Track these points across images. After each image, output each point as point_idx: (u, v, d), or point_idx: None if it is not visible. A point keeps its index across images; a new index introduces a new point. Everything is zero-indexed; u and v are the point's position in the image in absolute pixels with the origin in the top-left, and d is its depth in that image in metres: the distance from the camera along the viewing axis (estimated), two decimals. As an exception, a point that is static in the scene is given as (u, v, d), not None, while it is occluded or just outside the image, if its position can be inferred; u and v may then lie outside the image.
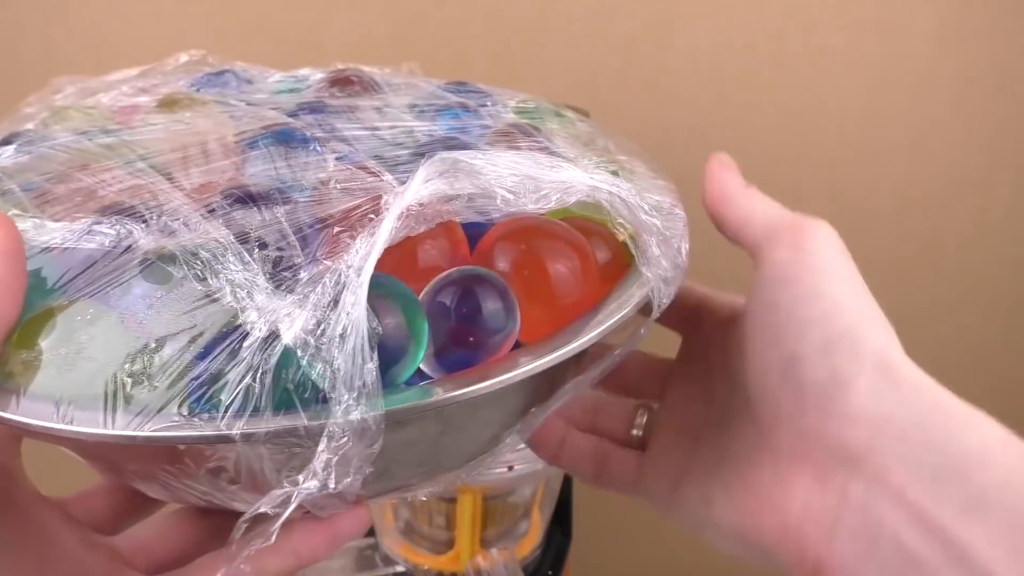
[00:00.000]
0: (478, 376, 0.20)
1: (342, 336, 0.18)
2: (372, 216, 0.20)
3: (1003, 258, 0.61)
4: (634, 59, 0.57)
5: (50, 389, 0.18)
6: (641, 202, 0.24)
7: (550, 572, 0.49)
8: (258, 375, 0.18)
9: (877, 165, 0.59)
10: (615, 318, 0.22)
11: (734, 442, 0.25)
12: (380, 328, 0.19)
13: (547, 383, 0.24)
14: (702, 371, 0.29)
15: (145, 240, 0.20)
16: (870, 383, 0.21)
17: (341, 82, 0.31)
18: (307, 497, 0.18)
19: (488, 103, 0.31)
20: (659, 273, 0.24)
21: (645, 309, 0.24)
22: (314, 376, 0.18)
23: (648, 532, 0.72)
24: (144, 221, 0.21)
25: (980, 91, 0.57)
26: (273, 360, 0.18)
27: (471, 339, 0.21)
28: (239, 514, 0.19)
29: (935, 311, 0.63)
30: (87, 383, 0.18)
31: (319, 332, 0.18)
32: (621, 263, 0.25)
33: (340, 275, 0.19)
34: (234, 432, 0.17)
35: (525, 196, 0.22)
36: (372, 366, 0.18)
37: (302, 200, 0.22)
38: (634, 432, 0.30)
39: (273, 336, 0.18)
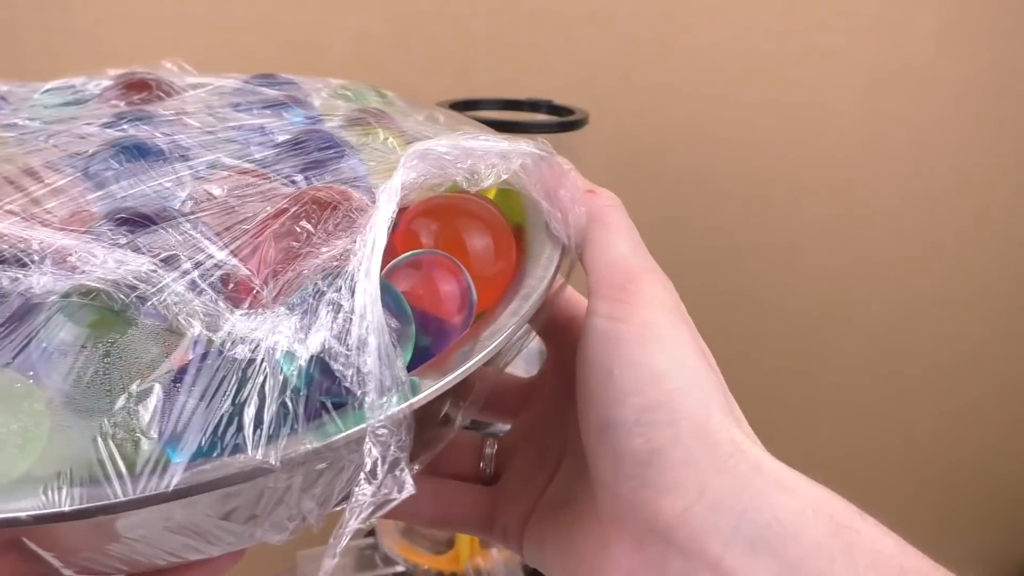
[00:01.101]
0: (469, 347, 0.20)
1: (363, 339, 0.18)
2: (348, 216, 0.20)
3: (1003, 257, 0.61)
4: (634, 59, 0.57)
5: (23, 469, 0.16)
6: (563, 162, 0.24)
7: (550, 572, 0.49)
8: (287, 394, 0.17)
9: (877, 165, 0.59)
10: (552, 268, 0.23)
11: (573, 488, 0.24)
12: (395, 324, 0.19)
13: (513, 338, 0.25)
14: (565, 394, 0.25)
15: (43, 282, 0.18)
16: (685, 453, 0.20)
17: (137, 87, 0.29)
18: (373, 502, 0.18)
19: (311, 93, 0.30)
20: (572, 223, 0.24)
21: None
22: (348, 383, 0.18)
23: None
24: (22, 263, 0.19)
25: (980, 91, 0.57)
26: (295, 377, 0.18)
27: (438, 323, 0.21)
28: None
29: (935, 310, 0.63)
30: (71, 452, 0.16)
31: (344, 339, 0.18)
32: (506, 225, 0.26)
33: (349, 278, 0.19)
34: (272, 461, 0.17)
35: (479, 173, 0.22)
36: (401, 363, 0.18)
37: (203, 214, 0.21)
38: (482, 465, 0.27)
39: (287, 353, 0.18)
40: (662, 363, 0.22)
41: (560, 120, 0.42)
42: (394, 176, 0.20)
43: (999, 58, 0.56)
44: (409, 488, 0.18)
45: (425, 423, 0.22)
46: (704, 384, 0.22)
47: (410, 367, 0.20)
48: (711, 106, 0.58)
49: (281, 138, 0.25)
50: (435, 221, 0.23)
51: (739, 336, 0.64)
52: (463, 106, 0.43)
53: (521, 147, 0.23)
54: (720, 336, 0.70)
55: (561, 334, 0.27)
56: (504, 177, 0.23)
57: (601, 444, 0.21)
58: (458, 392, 0.23)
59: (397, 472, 0.18)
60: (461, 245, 0.23)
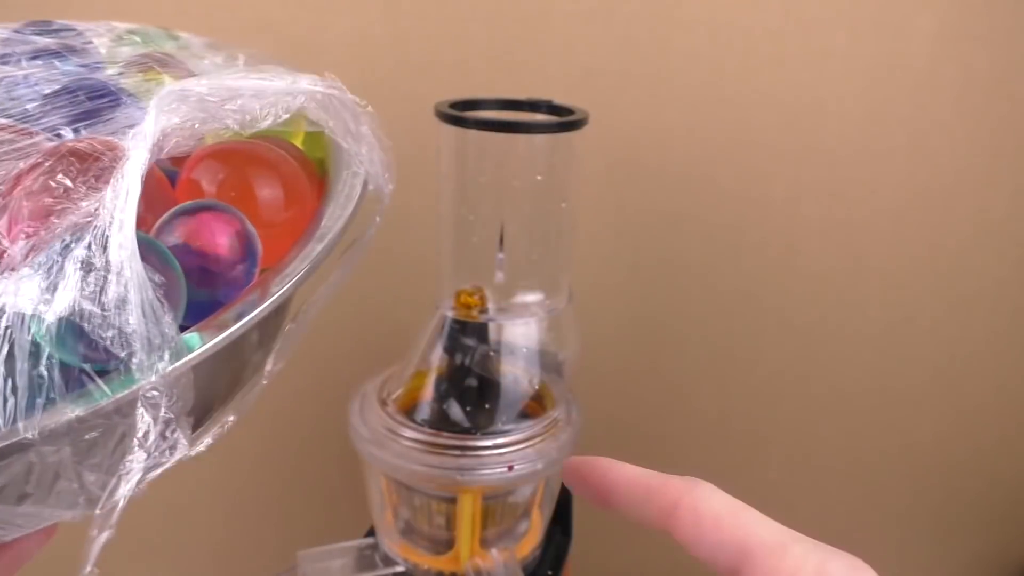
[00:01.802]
0: (257, 295, 0.19)
1: (121, 297, 0.16)
2: (113, 167, 0.18)
3: (1004, 258, 0.61)
4: (634, 59, 0.57)
5: None
6: (355, 98, 0.24)
7: (550, 572, 0.49)
8: (41, 361, 0.16)
9: (877, 165, 0.59)
10: (349, 211, 0.22)
11: None
12: (159, 279, 0.18)
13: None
14: None
15: None
16: None
17: None
18: (144, 466, 0.17)
19: (91, 39, 0.28)
20: (376, 160, 0.24)
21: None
22: (109, 345, 0.16)
23: (648, 532, 0.72)
24: None
25: (980, 91, 0.57)
26: (47, 343, 0.16)
27: (218, 276, 0.20)
28: None
29: (936, 312, 0.63)
30: None
31: (99, 298, 0.16)
32: (314, 174, 0.25)
33: (100, 233, 0.17)
34: (31, 434, 0.15)
35: (253, 114, 0.21)
36: (168, 318, 0.17)
37: None
38: None
39: (34, 317, 0.16)
40: None
41: (560, 120, 0.42)
42: (146, 120, 0.19)
43: (999, 58, 0.56)
44: (182, 448, 0.18)
45: (220, 374, 0.21)
46: None
47: (194, 321, 0.19)
48: (711, 106, 0.58)
49: (48, 89, 0.23)
50: (219, 168, 0.22)
51: (738, 335, 0.64)
52: (463, 106, 0.43)
53: (302, 84, 0.22)
54: (719, 336, 0.71)
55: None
56: (284, 117, 0.21)
57: None
58: (262, 337, 0.23)
59: (169, 434, 0.17)
60: (247, 192, 0.22)
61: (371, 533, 0.49)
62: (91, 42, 0.28)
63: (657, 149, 0.58)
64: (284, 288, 0.20)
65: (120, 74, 0.24)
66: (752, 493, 0.78)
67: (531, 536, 0.48)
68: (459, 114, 0.40)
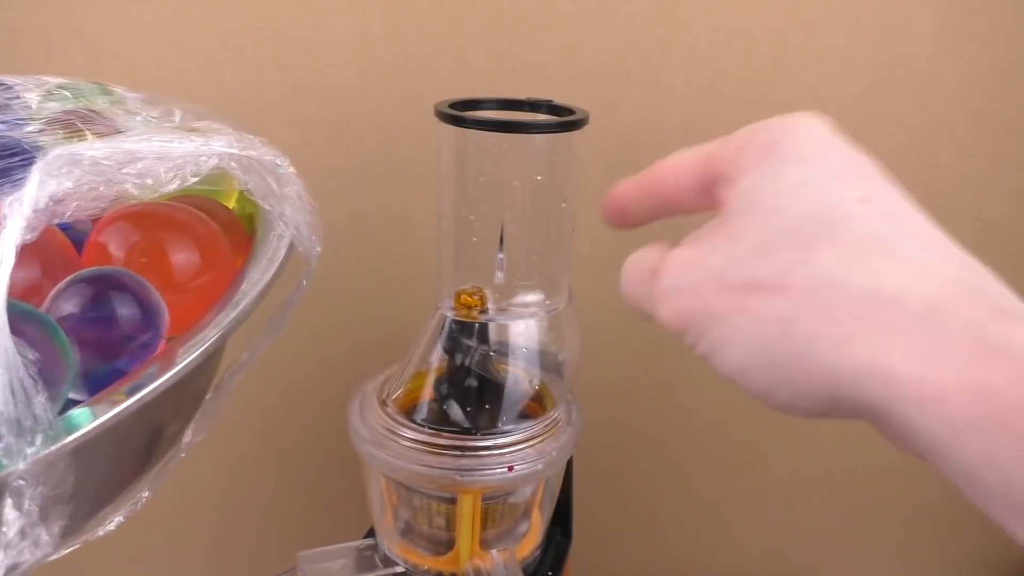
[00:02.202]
0: (158, 367, 0.18)
1: None
2: None
3: (1005, 259, 0.61)
4: (634, 59, 0.57)
5: None
6: (275, 159, 0.22)
7: (550, 573, 0.49)
8: None
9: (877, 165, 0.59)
10: (269, 276, 0.21)
11: None
12: (33, 356, 0.17)
13: (215, 360, 0.23)
14: None
15: None
16: None
17: None
18: (7, 566, 0.16)
19: (20, 94, 0.27)
20: (302, 222, 0.22)
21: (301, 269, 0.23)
22: None
23: (648, 532, 0.72)
24: None
25: (981, 91, 0.57)
26: None
27: (118, 347, 0.19)
28: None
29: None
30: None
31: None
32: (243, 234, 0.24)
33: None
34: None
35: (157, 177, 0.19)
36: (42, 399, 0.16)
37: None
38: None
39: None
40: None
41: (560, 120, 0.42)
42: (27, 185, 0.18)
43: (999, 58, 0.56)
44: (45, 549, 0.16)
45: (123, 451, 0.20)
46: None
47: (94, 394, 0.18)
48: (711, 106, 0.58)
49: None
50: (131, 231, 0.21)
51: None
52: (463, 106, 0.43)
53: (215, 145, 0.21)
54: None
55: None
56: (192, 181, 0.20)
57: None
58: (178, 407, 0.21)
59: (29, 529, 0.16)
60: (160, 257, 0.21)
61: (371, 534, 0.49)
62: (19, 97, 0.27)
63: (657, 149, 0.58)
64: (189, 358, 0.19)
65: (41, 131, 0.24)
66: (752, 493, 0.79)
67: (531, 537, 0.48)
68: (459, 114, 0.40)
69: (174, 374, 0.18)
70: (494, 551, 0.45)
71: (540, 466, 0.43)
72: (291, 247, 0.22)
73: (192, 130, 0.24)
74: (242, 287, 0.21)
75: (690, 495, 0.70)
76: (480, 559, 0.44)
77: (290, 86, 0.56)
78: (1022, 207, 0.60)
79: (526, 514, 0.47)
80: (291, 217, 0.23)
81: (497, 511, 0.45)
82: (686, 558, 0.73)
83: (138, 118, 0.26)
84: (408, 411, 0.44)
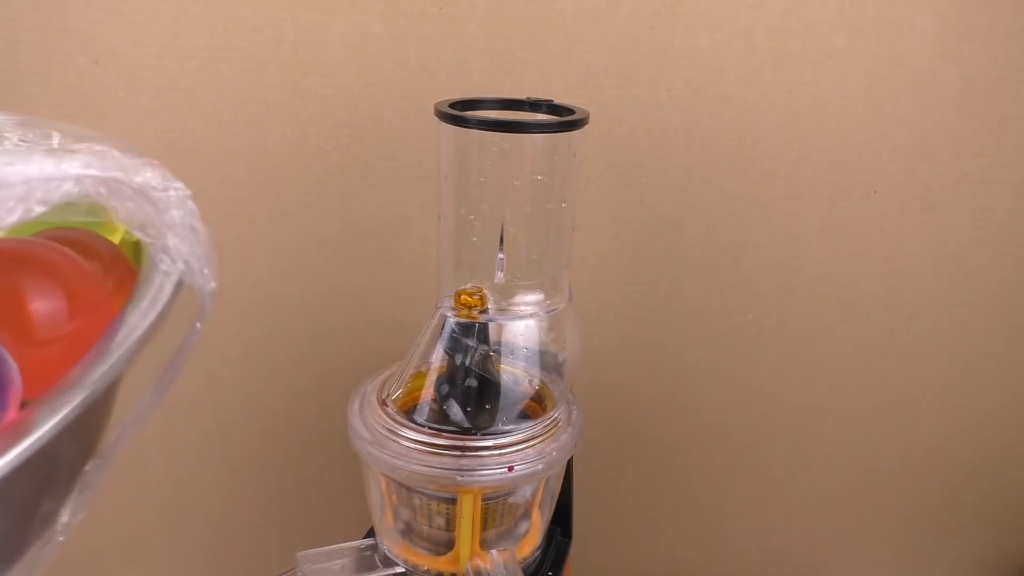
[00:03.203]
0: (10, 436, 0.15)
1: None
2: None
3: (1005, 259, 0.61)
4: (634, 59, 0.57)
5: None
6: (150, 181, 0.19)
7: (550, 573, 0.49)
8: None
9: (877, 165, 0.59)
10: (149, 320, 0.18)
11: None
12: None
13: (100, 414, 0.20)
14: None
15: None
16: None
17: None
18: None
19: None
20: (192, 254, 0.20)
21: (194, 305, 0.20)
22: None
23: (648, 532, 0.72)
24: None
25: (981, 91, 0.57)
26: None
27: None
28: None
29: (936, 311, 0.63)
30: None
31: None
32: (130, 272, 0.21)
33: None
34: None
35: None
36: None
37: None
38: None
39: None
40: None
41: (560, 120, 0.42)
42: None
43: (999, 58, 0.56)
44: None
45: None
46: None
47: None
48: (711, 106, 0.58)
49: None
50: None
51: (739, 335, 0.64)
52: (463, 106, 0.43)
53: (71, 167, 0.18)
54: (719, 336, 0.70)
55: None
56: (39, 211, 0.17)
57: None
58: (45, 483, 0.18)
59: None
60: (15, 304, 0.18)
61: (371, 534, 0.49)
62: None
63: (657, 149, 0.58)
64: (46, 428, 0.16)
65: None
66: (752, 493, 0.79)
67: (531, 537, 0.48)
68: (459, 114, 0.40)
69: (26, 448, 0.15)
70: (494, 551, 0.45)
71: (540, 466, 0.43)
72: (179, 284, 0.19)
73: (67, 152, 0.20)
74: (119, 335, 0.18)
75: (690, 495, 0.70)
76: (480, 559, 0.44)
77: (290, 86, 0.56)
78: (1022, 207, 0.60)
79: (526, 514, 0.47)
80: (178, 249, 0.20)
81: (497, 511, 0.45)
82: (686, 558, 0.73)
83: (7, 143, 0.21)
84: (408, 411, 0.44)
